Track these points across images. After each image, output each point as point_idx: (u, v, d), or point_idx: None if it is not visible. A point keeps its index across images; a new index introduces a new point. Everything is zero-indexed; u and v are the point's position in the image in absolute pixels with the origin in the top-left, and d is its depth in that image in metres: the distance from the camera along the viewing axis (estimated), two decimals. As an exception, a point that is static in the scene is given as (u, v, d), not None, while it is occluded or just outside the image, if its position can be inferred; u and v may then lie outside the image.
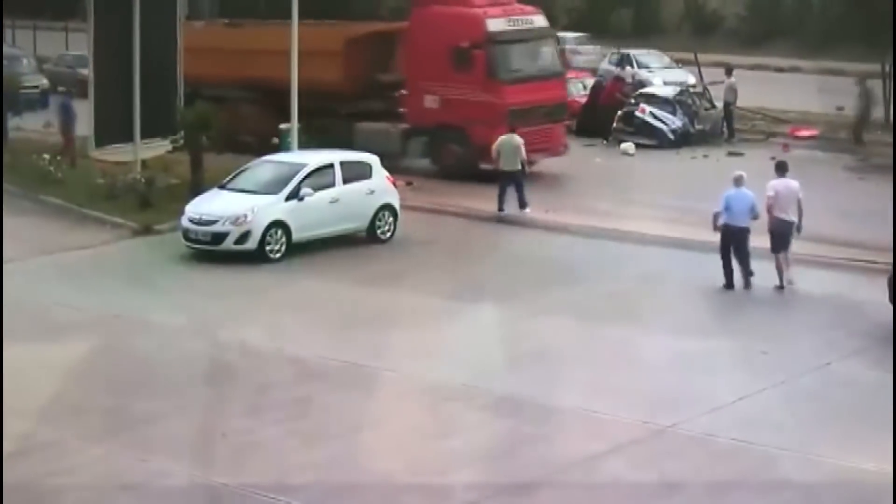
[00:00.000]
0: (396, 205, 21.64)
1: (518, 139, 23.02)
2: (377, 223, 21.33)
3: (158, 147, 24.60)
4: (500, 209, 22.95)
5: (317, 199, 20.64)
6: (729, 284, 17.99)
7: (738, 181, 18.11)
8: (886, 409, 13.28)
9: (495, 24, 25.77)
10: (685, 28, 45.16)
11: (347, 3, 52.74)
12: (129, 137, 24.08)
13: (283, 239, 20.28)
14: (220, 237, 20.12)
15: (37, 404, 13.83)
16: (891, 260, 16.51)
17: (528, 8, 26.98)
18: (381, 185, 21.57)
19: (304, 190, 20.58)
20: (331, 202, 20.83)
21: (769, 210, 17.89)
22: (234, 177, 21.44)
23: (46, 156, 25.83)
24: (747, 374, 14.64)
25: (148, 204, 22.88)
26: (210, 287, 18.87)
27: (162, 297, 18.23)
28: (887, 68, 32.05)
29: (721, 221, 17.95)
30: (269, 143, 25.62)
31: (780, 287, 17.92)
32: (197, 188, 22.36)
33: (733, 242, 17.89)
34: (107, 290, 18.52)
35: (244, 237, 20.08)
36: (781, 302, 17.83)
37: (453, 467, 12.34)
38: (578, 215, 22.76)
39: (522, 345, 15.94)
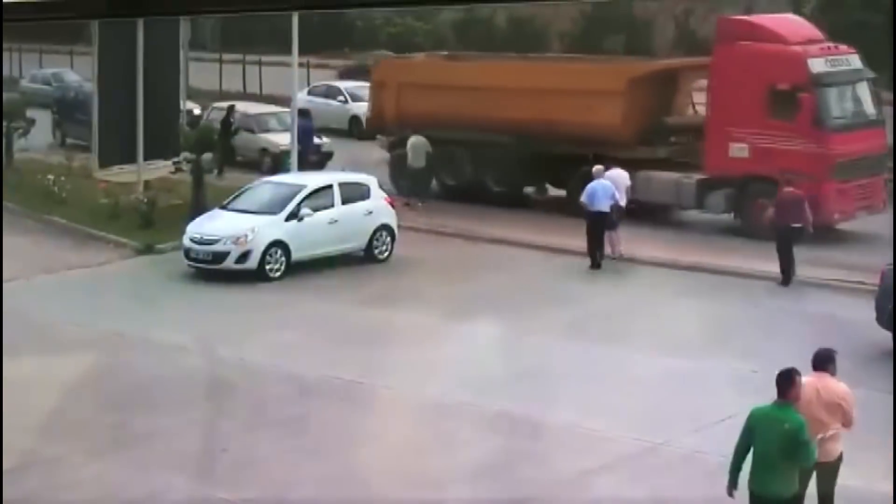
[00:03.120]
0: (394, 225, 21.85)
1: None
2: (375, 243, 21.54)
3: (161, 168, 24.85)
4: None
5: (316, 220, 20.88)
6: (595, 262, 20.61)
7: (598, 174, 20.98)
8: (875, 426, 13.44)
9: (817, 65, 22.55)
10: (677, 53, 45.54)
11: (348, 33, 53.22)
12: (132, 158, 24.34)
13: (283, 258, 20.51)
14: (220, 256, 20.35)
15: (38, 420, 13.98)
16: (877, 282, 16.69)
17: (843, 47, 23.54)
18: (378, 206, 21.80)
19: (304, 210, 20.83)
20: (329, 222, 21.07)
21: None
22: (234, 197, 21.68)
23: (50, 176, 26.09)
24: (737, 392, 14.83)
25: (150, 223, 23.10)
26: (210, 305, 19.07)
27: (163, 314, 18.42)
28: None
29: (589, 208, 20.67)
30: (519, 192, 24.16)
31: (613, 258, 20.89)
32: (198, 208, 22.60)
33: (598, 225, 20.65)
34: (109, 308, 18.71)
35: (244, 256, 20.31)
36: (774, 322, 18.04)
37: (449, 483, 12.50)
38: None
39: (517, 363, 16.13)
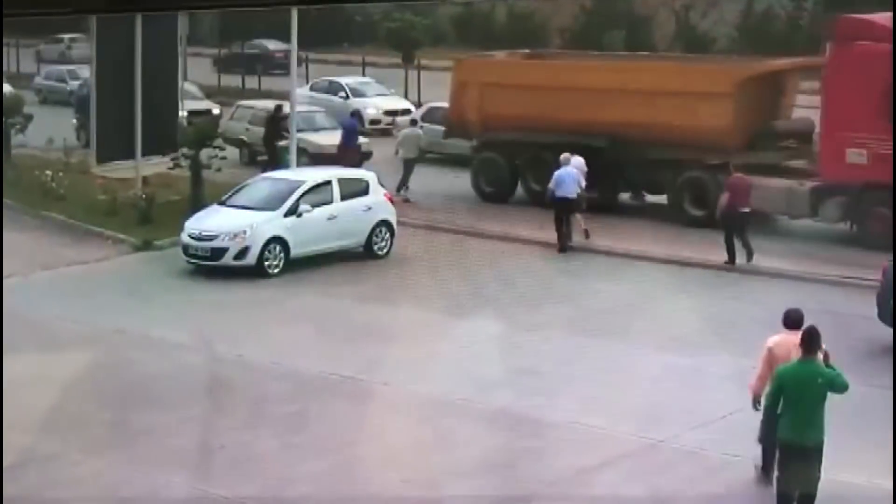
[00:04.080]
0: (393, 221, 21.81)
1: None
2: (374, 239, 21.50)
3: (159, 164, 24.79)
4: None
5: (315, 216, 20.83)
6: (563, 248, 21.36)
7: (565, 161, 21.69)
8: (876, 423, 13.42)
9: None
10: (676, 48, 45.45)
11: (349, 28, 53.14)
12: (130, 154, 24.28)
13: (282, 254, 20.46)
14: (219, 252, 20.30)
15: (37, 417, 13.96)
16: (879, 278, 16.66)
17: None
18: (378, 202, 21.75)
19: (303, 206, 20.78)
20: (328, 219, 21.02)
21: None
22: (233, 193, 21.63)
23: (49, 172, 26.03)
24: (737, 387, 14.79)
25: (148, 220, 23.05)
26: (209, 302, 19.02)
27: (161, 311, 18.38)
28: None
29: (556, 195, 21.43)
30: (613, 198, 23.02)
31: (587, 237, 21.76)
32: (197, 204, 22.55)
33: (565, 211, 21.39)
34: (107, 305, 18.67)
35: (243, 253, 20.26)
36: (773, 319, 17.98)
37: (449, 480, 12.47)
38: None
39: (517, 359, 16.10)
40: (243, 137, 29.96)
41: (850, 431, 13.53)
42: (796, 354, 11.13)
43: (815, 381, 10.82)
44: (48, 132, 29.35)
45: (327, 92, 36.24)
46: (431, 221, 23.90)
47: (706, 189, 22.55)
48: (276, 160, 26.06)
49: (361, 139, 29.30)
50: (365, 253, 21.43)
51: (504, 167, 24.92)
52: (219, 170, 24.04)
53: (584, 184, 21.71)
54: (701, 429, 13.60)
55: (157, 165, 24.75)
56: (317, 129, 29.14)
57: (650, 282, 19.91)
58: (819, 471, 11.04)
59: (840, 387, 10.92)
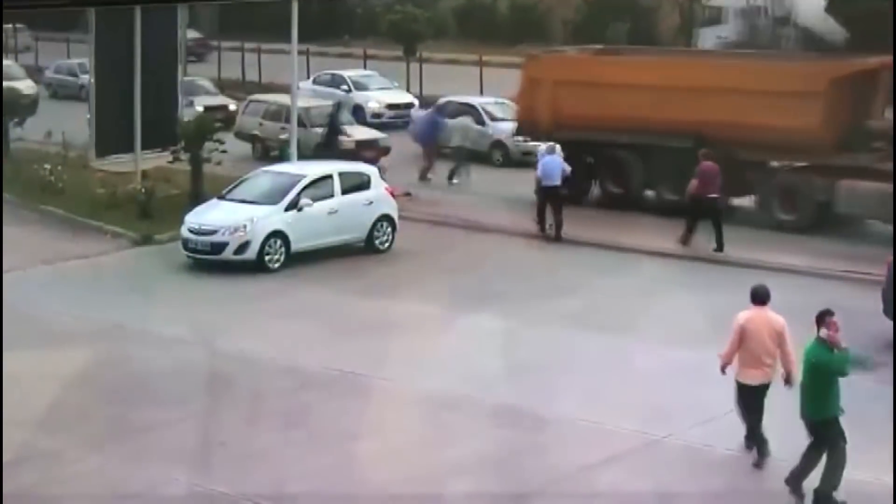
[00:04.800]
0: (395, 215, 21.72)
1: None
2: (375, 234, 21.42)
3: (159, 157, 24.70)
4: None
5: (316, 210, 20.74)
6: (542, 230, 22.02)
7: (550, 150, 22.36)
8: (880, 419, 13.35)
9: None
10: (680, 41, 45.35)
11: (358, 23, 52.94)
12: (129, 148, 24.19)
13: (282, 249, 20.37)
14: (219, 247, 20.21)
15: (36, 413, 13.91)
16: (883, 273, 16.56)
17: None
18: (379, 196, 21.66)
19: (303, 201, 20.68)
20: (329, 213, 20.93)
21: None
22: (233, 187, 21.54)
23: (47, 165, 25.94)
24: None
25: (148, 214, 22.97)
26: (209, 296, 18.95)
27: (161, 306, 18.31)
28: None
29: (542, 183, 22.08)
30: (715, 202, 20.89)
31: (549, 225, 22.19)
32: (197, 198, 22.46)
33: (550, 198, 22.00)
34: (106, 300, 18.60)
35: (243, 247, 20.17)
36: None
37: (451, 477, 12.40)
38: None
39: (519, 354, 16.02)
40: (256, 132, 29.81)
41: (857, 428, 13.46)
42: (766, 328, 12.30)
43: (829, 359, 11.55)
44: (60, 127, 29.15)
45: (330, 85, 36.18)
46: (434, 216, 23.81)
47: (796, 192, 21.94)
48: (335, 153, 26.39)
49: (379, 134, 29.33)
50: (366, 247, 21.35)
51: (578, 168, 23.58)
52: (219, 163, 23.97)
53: (568, 171, 22.23)
54: (704, 425, 13.50)
55: (157, 159, 24.66)
56: (344, 124, 28.93)
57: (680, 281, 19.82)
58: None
59: (837, 368, 11.57)
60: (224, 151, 24.15)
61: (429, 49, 44.06)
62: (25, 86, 35.33)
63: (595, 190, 24.63)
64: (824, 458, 11.69)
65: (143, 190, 23.62)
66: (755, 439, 12.64)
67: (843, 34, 34.23)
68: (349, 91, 35.59)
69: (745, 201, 23.27)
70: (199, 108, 31.70)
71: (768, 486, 12.20)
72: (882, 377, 14.73)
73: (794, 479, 11.82)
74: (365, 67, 40.95)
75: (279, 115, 29.10)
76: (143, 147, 24.24)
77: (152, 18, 23.79)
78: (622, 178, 23.97)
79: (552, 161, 22.18)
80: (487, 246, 22.22)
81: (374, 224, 21.38)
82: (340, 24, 53.50)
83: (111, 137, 24.17)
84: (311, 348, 16.23)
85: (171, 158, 24.50)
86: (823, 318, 11.62)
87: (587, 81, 23.85)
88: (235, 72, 43.09)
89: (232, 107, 33.58)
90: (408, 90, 37.67)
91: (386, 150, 28.53)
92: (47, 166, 25.89)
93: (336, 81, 36.53)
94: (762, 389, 12.51)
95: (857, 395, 14.43)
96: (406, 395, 14.72)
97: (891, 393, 13.74)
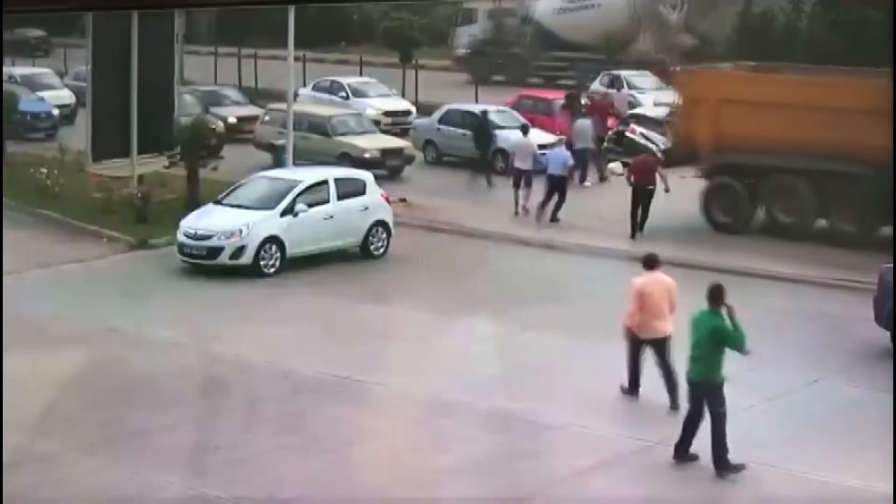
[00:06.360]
0: (390, 221, 21.77)
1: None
2: (370, 239, 21.47)
3: (155, 162, 24.73)
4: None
5: (311, 215, 20.79)
6: (554, 219, 23.56)
7: (556, 144, 26.20)
8: (873, 426, 13.42)
9: None
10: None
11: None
12: (126, 152, 24.22)
13: (278, 254, 20.41)
14: (215, 252, 20.25)
15: (32, 416, 13.92)
16: (875, 281, 16.63)
17: None
18: (374, 202, 21.71)
19: (299, 206, 20.73)
20: (325, 218, 20.98)
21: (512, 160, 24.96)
22: (229, 192, 21.58)
23: (44, 169, 25.96)
24: (735, 390, 14.76)
25: (144, 218, 23.00)
26: (205, 301, 18.98)
27: (157, 310, 18.33)
28: None
29: (547, 172, 23.76)
30: (874, 233, 19.76)
31: (520, 211, 24.25)
32: (193, 203, 22.50)
33: (555, 188, 23.56)
34: (102, 304, 18.61)
35: (239, 252, 20.21)
36: (773, 322, 17.98)
37: (444, 481, 12.45)
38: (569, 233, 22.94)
39: (512, 359, 16.06)
40: (273, 142, 29.00)
41: (846, 434, 13.54)
42: (660, 288, 13.84)
43: (711, 326, 12.46)
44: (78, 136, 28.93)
45: (328, 92, 36.18)
46: (429, 222, 23.87)
47: None
48: (485, 164, 27.60)
49: (404, 143, 29.30)
50: (361, 253, 21.40)
51: (742, 194, 22.42)
52: (215, 168, 23.95)
53: (571, 163, 24.27)
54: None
55: (154, 164, 24.70)
56: (345, 133, 28.61)
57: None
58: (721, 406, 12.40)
59: (733, 342, 12.39)
60: (221, 157, 24.16)
61: (425, 56, 44.15)
62: (65, 95, 35.00)
63: (760, 216, 22.79)
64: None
65: (139, 194, 23.63)
66: (671, 392, 13.78)
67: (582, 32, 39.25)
68: (347, 98, 35.60)
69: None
70: (232, 119, 31.69)
71: (760, 493, 12.26)
72: (868, 384, 14.81)
73: (681, 449, 12.53)
74: (361, 74, 41.00)
75: (300, 124, 28.45)
76: (140, 151, 24.28)
77: (149, 23, 23.84)
78: (793, 206, 22.01)
79: (559, 153, 24.69)
80: (482, 252, 22.25)
81: (370, 230, 21.43)
82: (337, 30, 53.59)
83: (108, 142, 24.19)
84: (305, 353, 16.26)
85: (167, 163, 24.53)
86: (721, 291, 12.47)
87: (754, 101, 21.96)
88: (232, 78, 43.12)
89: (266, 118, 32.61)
90: (403, 97, 37.74)
91: (410, 159, 28.47)
92: (44, 170, 25.90)
93: (334, 88, 36.56)
94: (664, 342, 13.83)
95: (847, 403, 14.55)
96: (400, 399, 14.76)
97: (880, 400, 13.83)
